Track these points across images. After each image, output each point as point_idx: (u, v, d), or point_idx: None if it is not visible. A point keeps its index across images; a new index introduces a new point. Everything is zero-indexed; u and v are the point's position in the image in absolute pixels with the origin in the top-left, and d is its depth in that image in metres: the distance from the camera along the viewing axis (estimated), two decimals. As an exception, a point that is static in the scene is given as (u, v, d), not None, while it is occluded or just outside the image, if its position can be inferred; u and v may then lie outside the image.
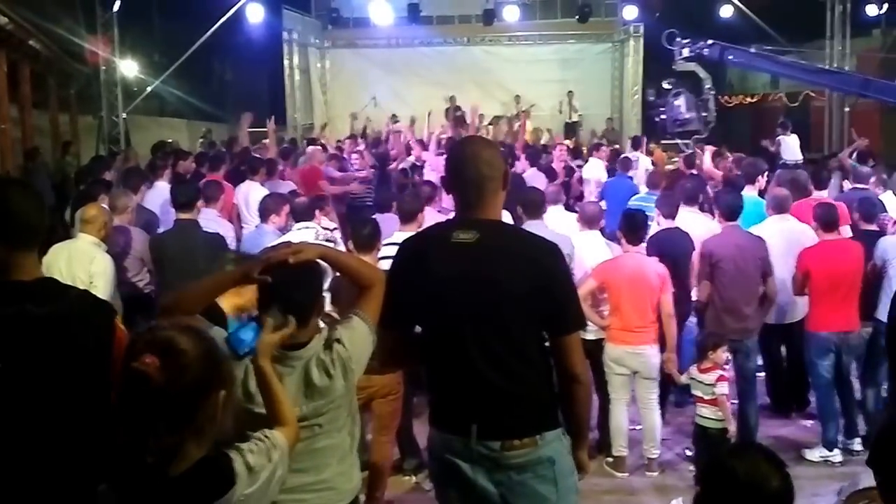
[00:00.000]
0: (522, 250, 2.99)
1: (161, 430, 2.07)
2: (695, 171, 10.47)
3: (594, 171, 12.22)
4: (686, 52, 14.69)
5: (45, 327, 2.45)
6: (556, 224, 6.78)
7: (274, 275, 2.80)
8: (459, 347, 2.94)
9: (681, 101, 15.06)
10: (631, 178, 11.30)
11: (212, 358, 2.17)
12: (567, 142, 18.49)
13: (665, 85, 15.66)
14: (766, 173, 8.52)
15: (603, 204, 8.65)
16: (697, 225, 6.96)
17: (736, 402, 6.11)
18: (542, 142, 19.35)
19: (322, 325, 3.00)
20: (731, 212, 6.43)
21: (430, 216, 6.55)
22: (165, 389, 2.04)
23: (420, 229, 4.79)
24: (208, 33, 16.94)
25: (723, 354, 5.74)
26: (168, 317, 2.74)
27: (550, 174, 11.04)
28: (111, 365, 2.49)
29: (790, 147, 14.56)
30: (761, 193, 7.99)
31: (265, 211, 7.06)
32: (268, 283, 2.80)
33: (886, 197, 8.36)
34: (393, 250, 3.52)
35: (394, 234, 6.01)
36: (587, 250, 6.32)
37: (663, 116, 15.54)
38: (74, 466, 2.47)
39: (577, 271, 5.84)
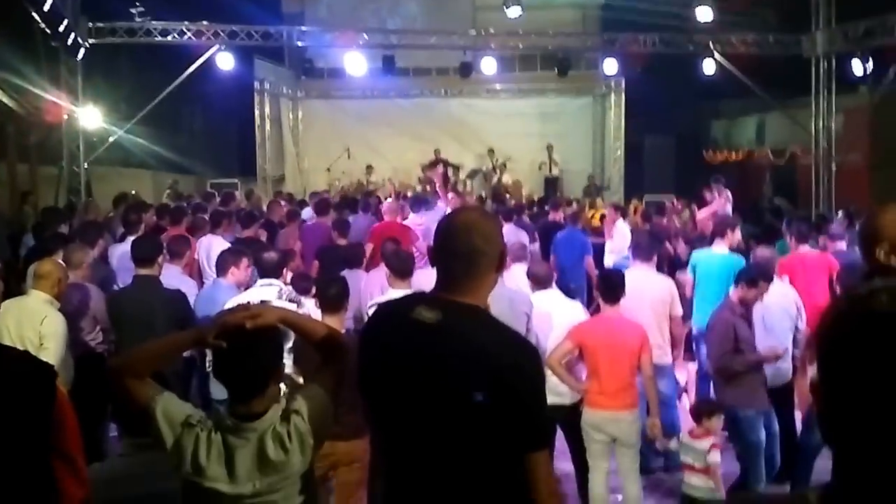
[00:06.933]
0: (485, 348, 2.39)
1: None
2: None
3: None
4: None
5: None
6: (517, 283, 6.47)
7: (229, 340, 2.69)
8: (400, 447, 2.49)
9: None
10: (583, 231, 11.02)
11: None
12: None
13: None
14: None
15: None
16: (651, 283, 6.84)
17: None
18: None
19: (283, 390, 2.89)
20: None
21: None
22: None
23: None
24: (177, 81, 16.39)
25: (717, 422, 5.54)
26: (116, 379, 2.69)
27: (530, 232, 10.50)
28: (50, 428, 2.52)
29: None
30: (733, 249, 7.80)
31: (223, 264, 6.59)
32: (222, 349, 2.69)
33: None
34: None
35: (388, 291, 5.78)
36: (550, 310, 6.09)
37: None
38: None
39: (538, 331, 5.74)
